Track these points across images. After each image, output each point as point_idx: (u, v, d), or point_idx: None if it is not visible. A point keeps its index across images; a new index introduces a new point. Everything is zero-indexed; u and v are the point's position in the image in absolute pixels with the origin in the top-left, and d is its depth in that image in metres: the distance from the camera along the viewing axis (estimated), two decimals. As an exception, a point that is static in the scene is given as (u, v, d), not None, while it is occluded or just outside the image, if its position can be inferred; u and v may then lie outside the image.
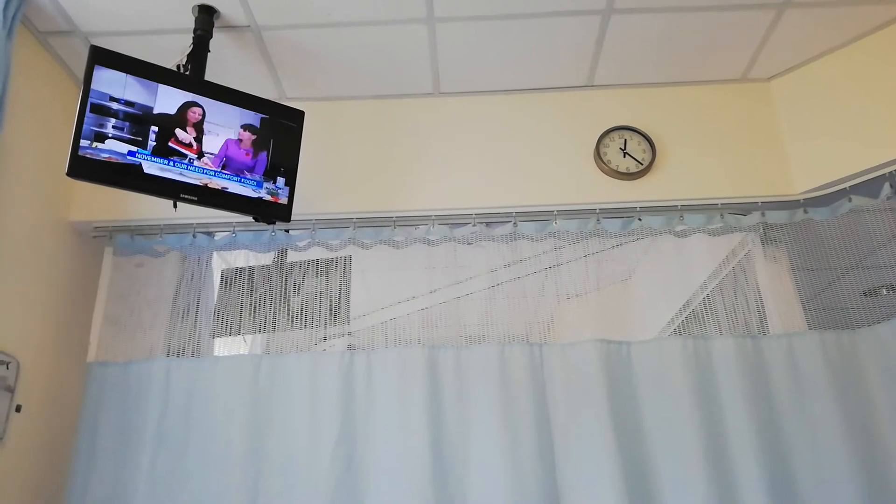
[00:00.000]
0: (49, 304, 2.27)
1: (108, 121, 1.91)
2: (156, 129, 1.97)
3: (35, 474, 2.15)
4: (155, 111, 1.98)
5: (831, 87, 2.43)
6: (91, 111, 1.89)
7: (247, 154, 2.12)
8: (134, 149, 1.94)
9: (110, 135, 1.91)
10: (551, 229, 2.44)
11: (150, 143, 1.96)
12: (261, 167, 2.14)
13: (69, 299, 2.37)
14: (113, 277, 2.45)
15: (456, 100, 2.63)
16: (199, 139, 2.04)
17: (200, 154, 2.04)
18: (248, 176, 2.12)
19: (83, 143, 1.87)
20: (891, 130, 2.25)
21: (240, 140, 2.11)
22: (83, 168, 1.87)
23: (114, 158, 1.91)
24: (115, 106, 1.93)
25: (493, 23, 2.29)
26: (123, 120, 1.93)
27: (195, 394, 2.22)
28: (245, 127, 2.12)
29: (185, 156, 2.02)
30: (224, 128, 2.09)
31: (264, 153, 2.14)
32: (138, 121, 1.95)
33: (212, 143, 2.07)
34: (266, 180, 2.15)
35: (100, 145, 1.89)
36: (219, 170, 2.07)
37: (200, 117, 2.04)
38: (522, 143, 2.55)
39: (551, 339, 2.30)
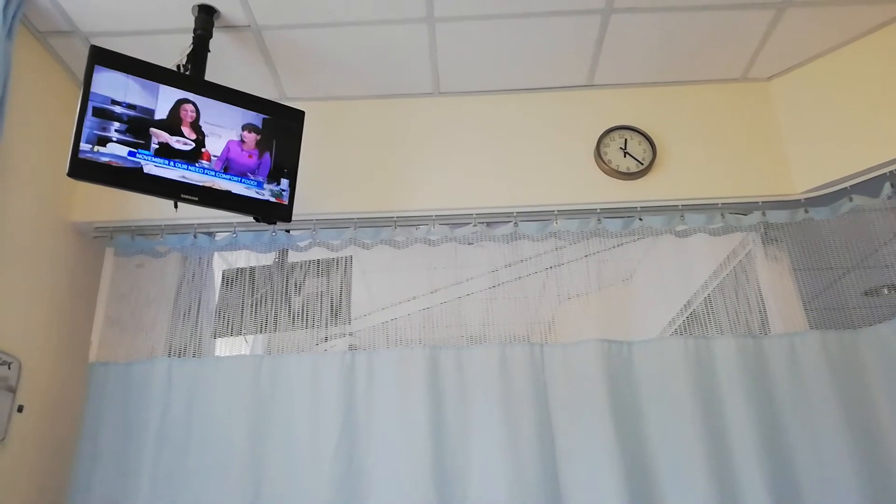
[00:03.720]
0: (50, 304, 2.27)
1: (111, 124, 1.91)
2: (158, 133, 1.98)
3: (37, 474, 2.15)
4: (156, 115, 1.98)
5: (831, 86, 2.42)
6: (93, 114, 1.89)
7: (250, 156, 2.12)
8: (135, 150, 1.94)
9: (114, 139, 1.91)
10: (552, 229, 2.44)
11: (152, 145, 1.97)
12: (265, 168, 2.14)
13: (70, 300, 2.37)
14: (114, 278, 2.45)
15: (456, 99, 2.63)
16: (202, 141, 2.04)
17: (209, 158, 2.05)
18: (251, 177, 2.12)
19: (85, 146, 1.87)
20: (891, 130, 2.24)
21: (242, 141, 2.11)
22: (84, 169, 1.87)
23: (114, 162, 1.91)
24: (117, 109, 1.93)
25: (493, 22, 2.29)
26: (126, 123, 1.93)
27: (196, 394, 2.22)
28: (247, 127, 2.12)
29: (190, 158, 2.02)
30: (225, 129, 2.09)
31: (268, 154, 2.14)
32: (141, 125, 1.95)
33: (214, 145, 2.07)
34: (270, 182, 2.15)
35: (101, 149, 1.89)
36: (221, 171, 2.07)
37: (195, 115, 2.04)
38: (523, 142, 2.55)
39: (552, 339, 2.30)
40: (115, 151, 1.91)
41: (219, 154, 2.07)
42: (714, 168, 2.48)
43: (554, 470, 2.08)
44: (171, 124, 2.00)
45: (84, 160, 1.87)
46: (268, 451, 2.14)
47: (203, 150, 2.04)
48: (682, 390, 2.13)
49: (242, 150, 2.11)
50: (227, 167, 2.08)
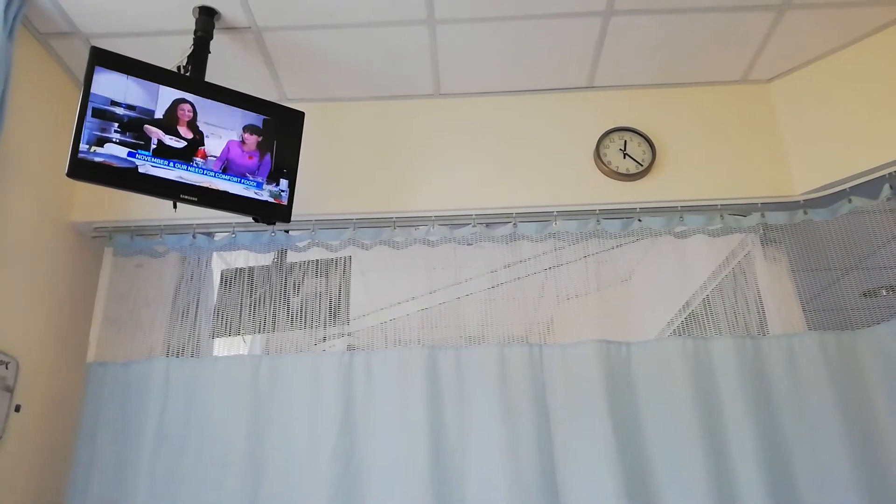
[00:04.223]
0: (49, 304, 2.27)
1: (111, 125, 1.92)
2: (153, 130, 1.98)
3: (35, 474, 2.15)
4: (156, 115, 1.99)
5: (831, 88, 2.43)
6: (93, 115, 1.89)
7: (250, 157, 2.12)
8: (135, 150, 1.95)
9: (115, 140, 1.91)
10: (551, 230, 2.44)
11: (152, 145, 1.97)
12: (265, 169, 2.14)
13: (69, 299, 2.37)
14: (113, 278, 2.46)
15: (456, 101, 2.64)
16: (199, 141, 2.04)
17: (204, 156, 2.05)
18: (250, 178, 2.12)
19: (84, 147, 1.87)
20: (891, 131, 2.25)
21: (243, 142, 2.11)
22: (83, 169, 1.88)
23: (108, 162, 1.90)
24: (117, 110, 1.93)
25: (494, 24, 2.29)
26: (125, 124, 1.93)
27: (195, 394, 2.22)
28: (248, 129, 2.12)
29: (184, 156, 2.02)
30: (226, 129, 2.09)
31: (269, 155, 2.14)
32: (140, 125, 1.96)
33: (214, 145, 2.07)
34: (269, 183, 2.15)
35: (98, 149, 1.89)
36: (219, 171, 2.07)
37: (192, 115, 2.04)
38: (522, 144, 2.55)
39: (551, 339, 2.30)
40: (113, 152, 1.92)
41: (218, 154, 2.07)
42: (713, 169, 2.48)
43: (552, 470, 2.08)
44: (168, 123, 2.01)
45: (83, 160, 1.87)
46: (266, 451, 2.14)
47: (200, 147, 2.04)
48: (680, 391, 2.13)
49: (243, 150, 2.11)
50: (227, 168, 2.08)
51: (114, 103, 1.93)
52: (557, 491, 2.06)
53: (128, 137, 1.94)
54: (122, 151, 1.93)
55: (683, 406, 2.11)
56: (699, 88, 2.62)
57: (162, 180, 1.98)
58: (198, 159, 2.04)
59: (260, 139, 2.13)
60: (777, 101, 2.57)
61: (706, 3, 2.22)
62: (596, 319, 2.31)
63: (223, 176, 2.08)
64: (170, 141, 1.99)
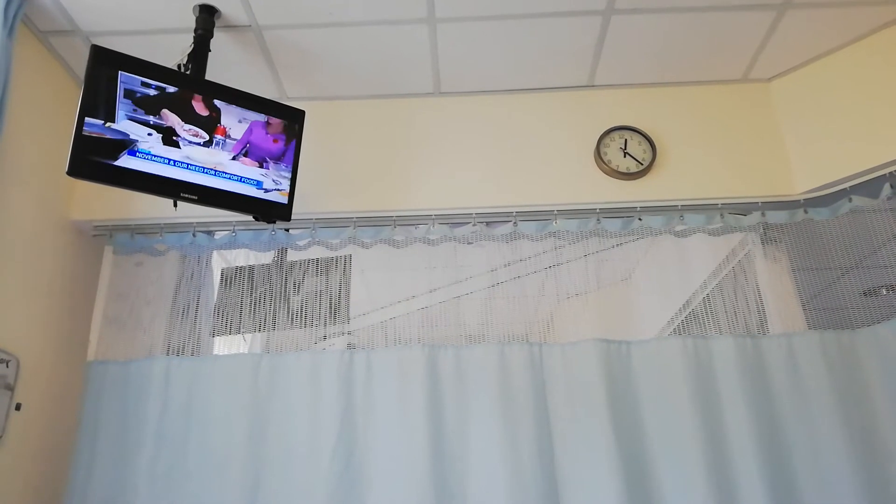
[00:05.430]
0: (49, 302, 2.27)
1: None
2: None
3: (35, 473, 2.15)
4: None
5: (832, 87, 2.43)
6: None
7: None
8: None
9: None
10: (551, 229, 2.44)
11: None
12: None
13: (69, 298, 2.37)
14: (113, 276, 2.45)
15: (456, 100, 2.64)
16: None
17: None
18: (259, 171, 2.09)
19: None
20: (891, 130, 2.25)
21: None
22: (83, 167, 1.87)
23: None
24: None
25: (494, 23, 2.29)
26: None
27: (195, 392, 2.22)
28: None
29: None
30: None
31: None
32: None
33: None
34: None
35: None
36: (217, 170, 2.06)
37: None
38: (523, 142, 2.55)
39: (551, 338, 2.30)
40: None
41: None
42: (714, 168, 2.48)
43: (552, 469, 2.08)
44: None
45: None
46: (266, 449, 2.14)
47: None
48: (680, 390, 2.13)
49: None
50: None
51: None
52: (557, 489, 2.06)
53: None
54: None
55: (683, 405, 2.11)
56: (699, 87, 2.62)
57: (162, 178, 1.97)
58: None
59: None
60: (777, 101, 2.57)
61: (706, 3, 2.22)
62: (596, 318, 2.31)
63: (224, 174, 2.07)
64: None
